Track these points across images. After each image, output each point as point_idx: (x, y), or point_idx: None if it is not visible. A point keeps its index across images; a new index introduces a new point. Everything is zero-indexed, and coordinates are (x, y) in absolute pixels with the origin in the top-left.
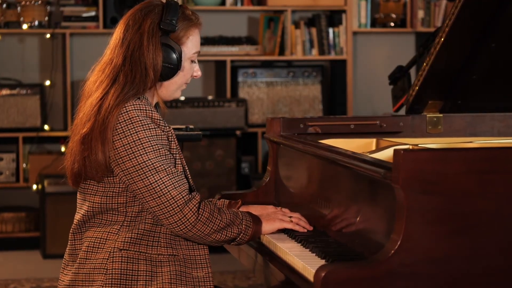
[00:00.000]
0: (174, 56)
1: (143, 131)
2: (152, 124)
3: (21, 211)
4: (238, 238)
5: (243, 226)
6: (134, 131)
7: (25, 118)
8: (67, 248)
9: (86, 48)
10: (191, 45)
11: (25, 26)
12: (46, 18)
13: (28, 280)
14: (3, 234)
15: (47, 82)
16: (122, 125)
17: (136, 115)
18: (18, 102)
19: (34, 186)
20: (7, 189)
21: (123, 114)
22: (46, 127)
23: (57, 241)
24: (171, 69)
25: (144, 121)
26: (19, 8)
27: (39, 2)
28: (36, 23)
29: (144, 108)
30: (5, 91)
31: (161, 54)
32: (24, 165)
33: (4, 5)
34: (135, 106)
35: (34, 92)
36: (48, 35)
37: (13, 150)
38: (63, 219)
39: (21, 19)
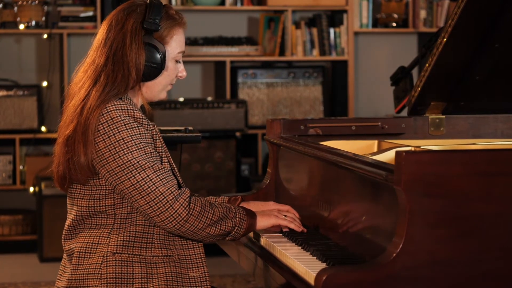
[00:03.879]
0: (158, 55)
1: (126, 131)
2: (134, 123)
3: (18, 213)
4: (233, 232)
5: (237, 219)
6: (117, 131)
7: (22, 119)
8: (63, 254)
9: (84, 49)
10: (175, 45)
11: (22, 26)
12: (43, 18)
13: (25, 283)
14: (0, 237)
15: (44, 83)
16: (104, 126)
17: (117, 115)
18: (15, 103)
19: (31, 189)
20: (3, 191)
21: (105, 115)
22: (43, 128)
23: (54, 245)
24: (155, 68)
25: (126, 120)
26: (15, 8)
27: (36, 2)
28: (33, 23)
29: (126, 108)
30: (1, 92)
31: (144, 53)
32: (21, 167)
33: (1, 5)
34: (116, 106)
35: (31, 93)
36: (45, 36)
37: (10, 152)
38: (60, 222)
39: (18, 19)
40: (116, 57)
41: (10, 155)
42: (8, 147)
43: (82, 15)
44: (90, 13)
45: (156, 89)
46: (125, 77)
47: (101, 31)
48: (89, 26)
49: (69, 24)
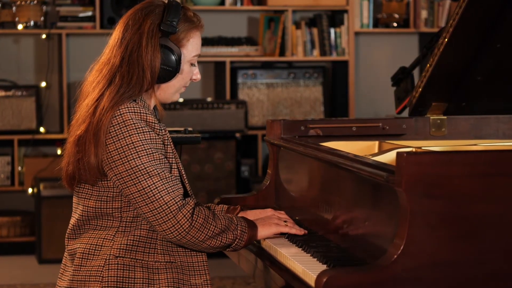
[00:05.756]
0: (173, 58)
1: (137, 135)
2: (146, 128)
3: (16, 215)
4: (234, 244)
5: (238, 231)
6: (128, 135)
7: (20, 120)
8: (64, 253)
9: (83, 49)
10: (191, 48)
11: (20, 27)
12: (42, 18)
13: (24, 285)
14: None
15: (43, 84)
16: (116, 128)
17: (130, 118)
18: (13, 104)
19: (30, 190)
20: (2, 192)
21: (117, 117)
22: (41, 129)
23: (53, 246)
24: (170, 71)
25: (138, 124)
26: (14, 8)
27: (35, 2)
28: (32, 23)
29: (139, 111)
30: (0, 93)
31: (160, 56)
32: (19, 168)
33: None
34: (129, 108)
35: (29, 93)
36: (44, 36)
37: (8, 153)
38: (59, 223)
39: (16, 19)
40: (132, 58)
41: (8, 156)
42: (7, 148)
43: (81, 15)
44: (89, 13)
45: (170, 91)
46: (140, 79)
47: (118, 30)
48: (88, 26)
49: (67, 24)
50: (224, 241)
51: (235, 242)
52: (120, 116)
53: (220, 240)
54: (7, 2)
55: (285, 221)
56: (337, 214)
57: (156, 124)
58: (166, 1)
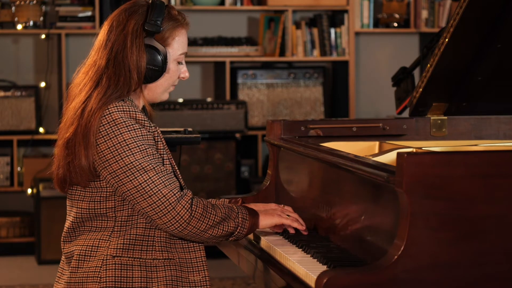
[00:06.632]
0: (159, 58)
1: (128, 132)
2: (136, 125)
3: (15, 215)
4: (236, 232)
5: (240, 219)
6: (119, 133)
7: (20, 120)
8: (61, 257)
9: (82, 49)
10: (177, 46)
11: (19, 27)
12: (41, 18)
13: (23, 286)
14: None
15: (42, 84)
16: (106, 127)
17: (119, 116)
18: (13, 104)
19: (29, 190)
20: (1, 193)
21: (106, 117)
22: (41, 129)
23: (53, 247)
24: (156, 71)
25: (128, 122)
26: (13, 8)
27: (34, 2)
28: (31, 23)
29: (128, 109)
30: None
31: (145, 56)
32: (19, 168)
33: None
34: (118, 107)
35: (29, 94)
36: (43, 36)
37: (8, 153)
38: (58, 224)
39: (16, 19)
40: (117, 60)
41: (7, 157)
42: (6, 149)
43: (81, 15)
44: (89, 13)
45: (158, 91)
46: (127, 79)
47: (103, 31)
48: (87, 26)
49: (67, 24)
50: (226, 230)
51: (237, 230)
52: (109, 115)
53: (222, 228)
54: (6, 2)
55: (287, 215)
56: (337, 215)
57: (145, 121)
58: (150, 1)
